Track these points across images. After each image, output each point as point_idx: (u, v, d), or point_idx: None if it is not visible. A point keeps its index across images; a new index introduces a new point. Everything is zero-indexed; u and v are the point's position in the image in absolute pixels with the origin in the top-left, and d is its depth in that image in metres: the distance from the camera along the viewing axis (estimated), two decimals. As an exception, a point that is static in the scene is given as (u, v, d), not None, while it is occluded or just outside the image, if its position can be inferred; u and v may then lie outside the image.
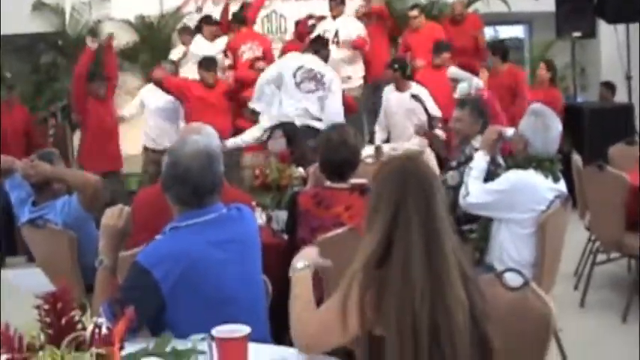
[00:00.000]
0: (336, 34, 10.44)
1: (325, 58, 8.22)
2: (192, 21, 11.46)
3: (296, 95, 7.89)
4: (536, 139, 4.65)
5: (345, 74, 10.07)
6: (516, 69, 9.67)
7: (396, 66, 8.75)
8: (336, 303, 2.39)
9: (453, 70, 8.82)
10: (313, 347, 2.62)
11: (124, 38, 11.49)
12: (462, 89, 7.92)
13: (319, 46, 8.32)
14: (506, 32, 13.75)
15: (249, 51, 10.30)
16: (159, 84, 9.05)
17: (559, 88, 10.24)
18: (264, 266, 3.37)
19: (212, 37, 10.52)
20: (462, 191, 4.75)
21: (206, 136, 4.14)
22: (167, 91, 9.10)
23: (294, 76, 7.91)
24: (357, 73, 10.59)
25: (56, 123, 10.05)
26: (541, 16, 12.03)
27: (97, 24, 11.68)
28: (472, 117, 5.44)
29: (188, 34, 10.90)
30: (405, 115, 8.61)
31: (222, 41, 10.49)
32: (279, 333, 3.25)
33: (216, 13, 11.40)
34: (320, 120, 7.79)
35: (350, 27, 10.54)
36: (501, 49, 9.58)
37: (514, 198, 4.58)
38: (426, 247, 2.31)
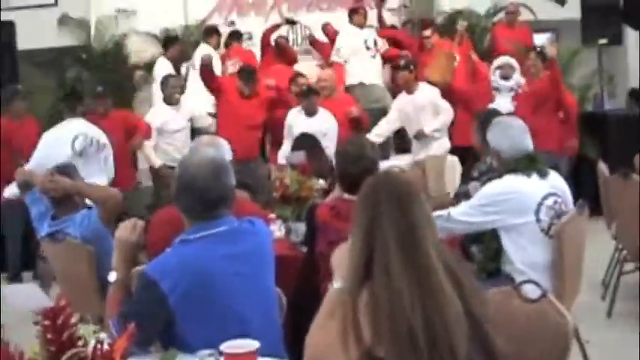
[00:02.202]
0: (375, 43, 10.51)
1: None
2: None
3: None
4: (501, 142, 4.61)
5: None
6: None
7: (412, 67, 8.75)
8: (338, 327, 2.33)
9: (510, 61, 9.04)
10: None
11: (150, 51, 11.50)
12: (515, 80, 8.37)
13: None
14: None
15: (231, 67, 10.43)
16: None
17: (583, 94, 10.17)
18: (281, 278, 3.33)
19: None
20: (443, 215, 4.65)
21: (217, 147, 4.13)
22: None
23: None
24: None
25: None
26: (567, 23, 11.94)
27: (123, 37, 11.73)
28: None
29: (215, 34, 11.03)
30: (417, 116, 8.64)
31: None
32: (297, 346, 3.20)
33: (240, 25, 11.66)
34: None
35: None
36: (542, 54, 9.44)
37: (499, 208, 4.49)
38: (406, 256, 2.25)
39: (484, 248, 4.73)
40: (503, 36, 10.88)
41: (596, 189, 7.10)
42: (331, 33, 10.96)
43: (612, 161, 7.75)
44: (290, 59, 10.93)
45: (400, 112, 8.84)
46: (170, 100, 8.95)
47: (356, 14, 10.67)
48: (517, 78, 8.90)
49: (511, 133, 4.62)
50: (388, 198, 2.36)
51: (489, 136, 4.73)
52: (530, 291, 3.02)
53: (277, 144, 8.95)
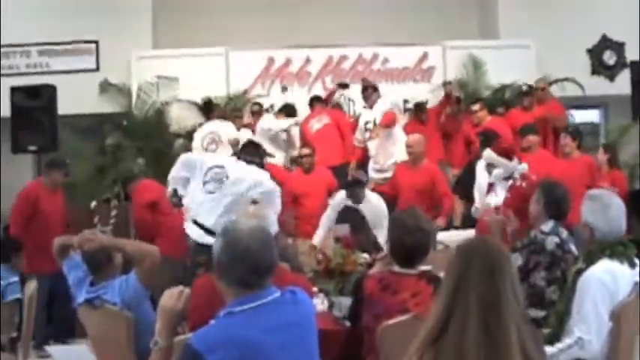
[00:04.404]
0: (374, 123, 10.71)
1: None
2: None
3: None
4: (597, 221, 4.52)
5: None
6: (590, 157, 9.51)
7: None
8: None
9: (487, 154, 7.97)
10: None
11: (191, 119, 11.65)
12: (496, 175, 7.54)
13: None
14: (581, 116, 13.61)
15: (317, 123, 10.88)
16: None
17: (623, 171, 10.11)
18: (324, 353, 3.32)
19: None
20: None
21: (262, 219, 4.15)
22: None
23: None
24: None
25: (119, 204, 10.15)
26: (617, 99, 11.95)
27: (165, 105, 11.89)
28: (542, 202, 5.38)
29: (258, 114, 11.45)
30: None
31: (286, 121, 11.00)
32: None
33: (283, 96, 12.11)
34: None
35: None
36: (576, 133, 9.43)
37: (597, 295, 4.37)
38: (484, 320, 2.28)
39: (551, 317, 4.67)
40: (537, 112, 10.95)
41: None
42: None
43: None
44: None
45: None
46: None
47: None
48: (510, 167, 7.65)
49: (610, 212, 4.55)
50: (478, 266, 2.38)
51: (584, 209, 4.62)
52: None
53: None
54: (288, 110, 11.41)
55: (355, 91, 11.77)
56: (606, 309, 4.37)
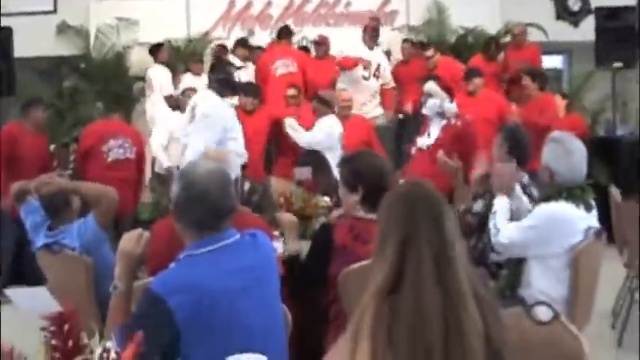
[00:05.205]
0: (378, 68, 10.59)
1: None
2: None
3: None
4: (559, 165, 4.56)
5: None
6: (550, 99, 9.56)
7: None
8: (348, 335, 2.36)
9: (429, 85, 7.61)
10: None
11: (151, 63, 11.55)
12: (431, 107, 7.32)
13: None
14: (545, 62, 13.65)
15: (283, 67, 10.47)
16: None
17: (588, 117, 10.20)
18: (283, 297, 3.35)
19: (243, 60, 10.73)
20: (492, 230, 4.69)
21: (225, 163, 4.13)
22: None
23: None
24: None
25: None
26: (580, 45, 11.99)
27: (126, 49, 11.77)
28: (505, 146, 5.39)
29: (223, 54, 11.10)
30: None
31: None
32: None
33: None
34: None
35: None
36: (538, 76, 9.46)
37: (548, 233, 4.49)
38: (439, 275, 2.28)
39: (508, 273, 4.75)
40: (512, 57, 10.95)
41: (607, 215, 7.10)
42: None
43: (624, 187, 7.77)
44: None
45: None
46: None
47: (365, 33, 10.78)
48: (445, 104, 7.46)
49: (573, 158, 4.59)
50: (424, 213, 2.37)
51: (547, 152, 4.65)
52: (542, 313, 3.04)
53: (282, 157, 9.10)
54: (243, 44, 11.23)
55: (316, 33, 11.66)
56: (539, 243, 4.50)
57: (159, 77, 10.74)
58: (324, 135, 8.45)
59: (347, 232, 4.15)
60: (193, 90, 9.17)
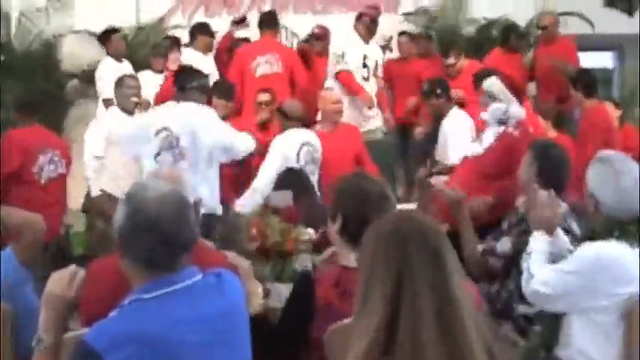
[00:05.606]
0: (376, 66, 10.60)
1: None
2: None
3: None
4: (606, 192, 4.47)
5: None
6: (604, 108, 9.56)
7: (439, 90, 8.91)
8: None
9: (491, 82, 7.77)
10: None
11: (89, 55, 11.54)
12: (493, 111, 7.26)
13: None
14: (590, 61, 13.65)
15: (265, 65, 10.34)
16: None
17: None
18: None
19: (205, 51, 10.65)
20: (524, 274, 4.64)
21: (179, 184, 4.10)
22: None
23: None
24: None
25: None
26: (634, 39, 12.03)
27: (58, 38, 11.76)
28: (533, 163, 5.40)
29: (176, 47, 10.92)
30: None
31: None
32: None
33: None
34: None
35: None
36: (586, 80, 9.45)
37: (595, 280, 4.38)
38: (443, 331, 2.29)
39: (543, 329, 4.71)
40: (542, 54, 11.02)
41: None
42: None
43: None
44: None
45: None
46: (125, 106, 8.76)
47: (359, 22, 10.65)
48: (511, 109, 7.49)
49: (624, 185, 4.47)
50: (419, 249, 2.37)
51: (590, 175, 4.58)
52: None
53: None
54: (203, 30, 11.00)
55: (298, 22, 11.79)
56: (584, 292, 4.41)
57: (113, 75, 10.58)
58: (279, 160, 8.23)
59: (332, 288, 4.10)
60: None
